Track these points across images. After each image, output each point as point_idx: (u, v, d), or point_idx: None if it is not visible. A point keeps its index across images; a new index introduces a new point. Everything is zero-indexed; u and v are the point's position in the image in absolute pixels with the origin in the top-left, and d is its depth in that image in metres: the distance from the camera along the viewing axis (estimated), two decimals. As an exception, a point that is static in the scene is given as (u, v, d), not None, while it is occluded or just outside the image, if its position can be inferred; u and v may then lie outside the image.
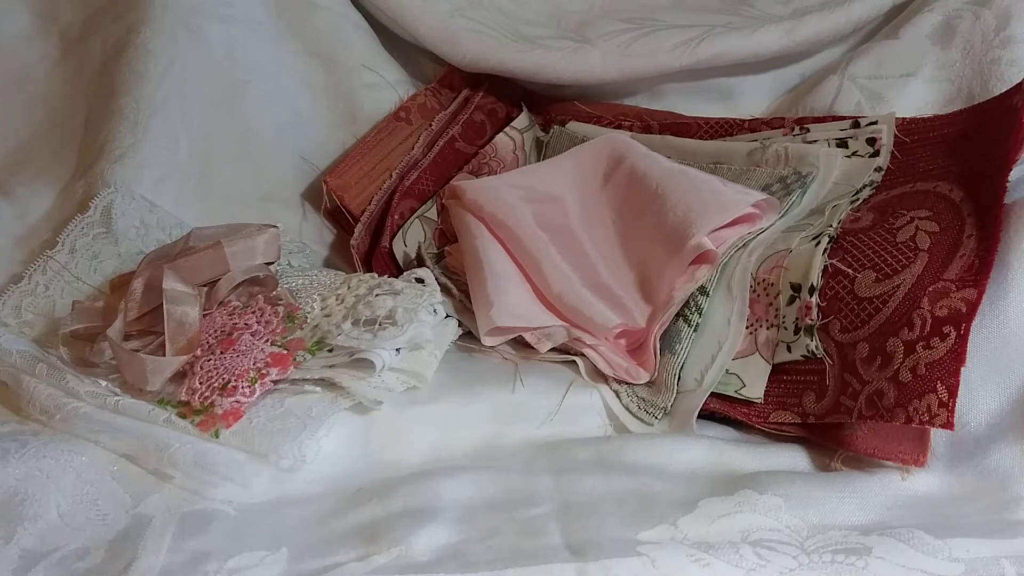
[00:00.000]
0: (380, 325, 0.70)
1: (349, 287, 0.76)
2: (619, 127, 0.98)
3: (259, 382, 0.68)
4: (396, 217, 0.91)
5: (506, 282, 0.80)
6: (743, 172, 0.86)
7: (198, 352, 0.70)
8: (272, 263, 0.78)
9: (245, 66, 0.98)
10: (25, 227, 0.90)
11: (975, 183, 0.72)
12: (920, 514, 0.60)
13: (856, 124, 0.86)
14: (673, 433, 0.72)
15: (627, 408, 0.74)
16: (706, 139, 0.93)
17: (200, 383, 0.68)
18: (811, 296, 0.71)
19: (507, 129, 1.00)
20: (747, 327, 0.75)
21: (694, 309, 0.76)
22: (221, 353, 0.70)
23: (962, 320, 0.63)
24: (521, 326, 0.78)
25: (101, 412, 0.66)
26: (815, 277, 0.72)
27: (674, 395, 0.74)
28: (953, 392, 0.61)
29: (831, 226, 0.75)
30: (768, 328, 0.74)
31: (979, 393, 0.64)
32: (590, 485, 0.64)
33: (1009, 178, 0.69)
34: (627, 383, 0.75)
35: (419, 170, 0.95)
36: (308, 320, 0.73)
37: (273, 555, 0.58)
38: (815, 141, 0.86)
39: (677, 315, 0.76)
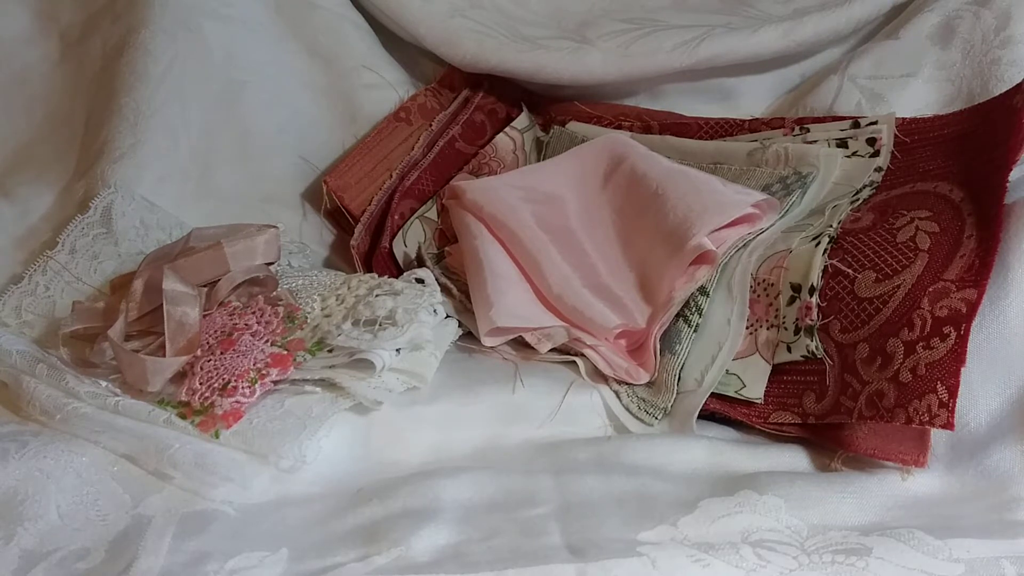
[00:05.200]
0: (380, 325, 0.70)
1: (349, 287, 0.75)
2: (619, 127, 0.98)
3: (259, 382, 0.67)
4: (396, 217, 0.91)
5: (506, 282, 0.80)
6: (743, 172, 0.86)
7: (198, 352, 0.70)
8: (272, 263, 0.78)
9: (245, 66, 0.98)
10: (25, 227, 0.89)
11: (975, 183, 0.72)
12: (920, 514, 0.60)
13: (856, 124, 0.86)
14: (673, 433, 0.72)
15: (627, 408, 0.74)
16: (706, 139, 0.93)
17: (200, 383, 0.68)
18: (811, 296, 0.71)
19: (507, 129, 1.00)
20: (747, 327, 0.75)
21: (694, 309, 0.76)
22: (221, 353, 0.70)
23: (962, 320, 0.63)
24: (521, 326, 0.78)
25: (101, 413, 0.66)
26: (815, 277, 0.72)
27: (674, 395, 0.74)
28: (953, 392, 0.61)
29: (831, 226, 0.75)
30: (768, 328, 0.74)
31: (979, 393, 0.64)
32: (590, 485, 0.64)
33: (1009, 178, 0.69)
34: (627, 383, 0.75)
35: (419, 170, 0.95)
36: (308, 320, 0.73)
37: (273, 556, 0.58)
38: (815, 141, 0.86)
39: (677, 315, 0.76)
